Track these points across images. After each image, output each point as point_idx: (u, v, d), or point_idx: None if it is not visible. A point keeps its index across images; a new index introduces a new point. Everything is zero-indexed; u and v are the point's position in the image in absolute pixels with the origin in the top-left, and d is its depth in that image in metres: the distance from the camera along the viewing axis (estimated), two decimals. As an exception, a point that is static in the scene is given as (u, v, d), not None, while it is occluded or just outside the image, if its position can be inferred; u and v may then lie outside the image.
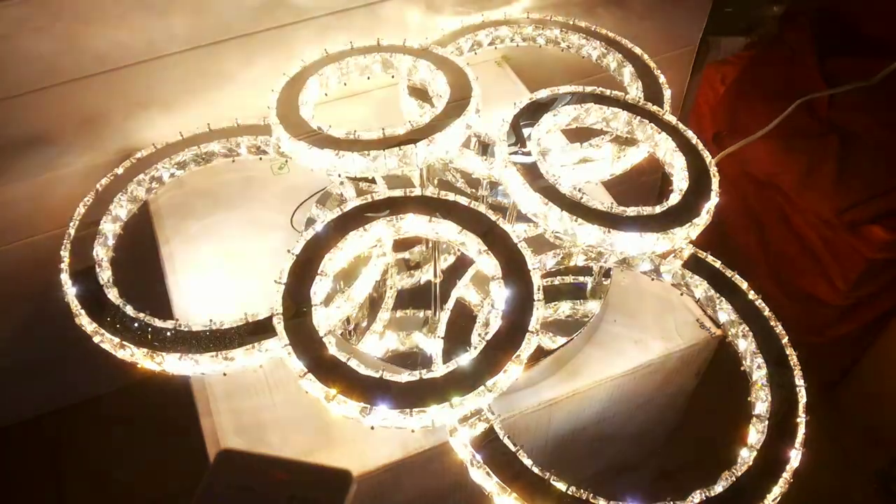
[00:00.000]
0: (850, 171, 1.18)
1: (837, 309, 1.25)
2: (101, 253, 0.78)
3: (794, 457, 0.64)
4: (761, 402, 0.69)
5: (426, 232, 0.74)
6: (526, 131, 0.79)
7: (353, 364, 0.63)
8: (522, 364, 0.63)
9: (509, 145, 0.77)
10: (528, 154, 0.76)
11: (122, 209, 0.84)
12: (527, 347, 0.63)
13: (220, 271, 0.90)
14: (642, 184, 1.55)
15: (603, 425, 0.88)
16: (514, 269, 0.69)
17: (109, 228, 0.81)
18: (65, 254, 0.77)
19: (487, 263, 0.70)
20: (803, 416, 0.67)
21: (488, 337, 0.64)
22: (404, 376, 0.62)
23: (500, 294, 0.67)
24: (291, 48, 1.02)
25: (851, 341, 1.31)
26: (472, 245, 0.72)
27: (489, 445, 0.64)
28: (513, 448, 0.63)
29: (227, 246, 0.93)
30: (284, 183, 1.01)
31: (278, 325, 0.65)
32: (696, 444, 1.18)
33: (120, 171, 0.86)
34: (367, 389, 0.61)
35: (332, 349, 0.64)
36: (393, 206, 0.74)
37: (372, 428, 0.62)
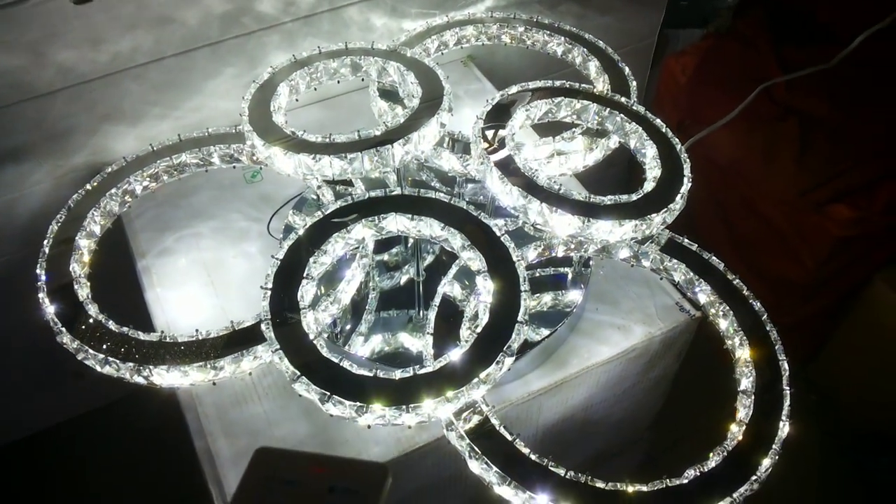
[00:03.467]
0: (811, 153, 1.21)
1: (805, 288, 1.28)
2: (78, 269, 0.77)
3: (782, 428, 0.66)
4: (746, 378, 0.71)
5: (409, 230, 0.75)
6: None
7: (346, 364, 0.63)
8: (514, 355, 0.63)
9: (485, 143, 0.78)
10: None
11: (95, 224, 0.82)
12: (517, 338, 0.64)
13: (198, 282, 0.89)
14: (610, 175, 1.58)
15: (591, 412, 0.90)
16: (499, 261, 0.70)
17: (84, 244, 0.80)
18: (41, 272, 0.76)
19: (472, 258, 0.71)
20: (787, 388, 0.69)
21: (478, 330, 0.65)
22: (398, 373, 0.63)
23: (487, 287, 0.68)
24: (259, 55, 1.02)
25: (819, 320, 1.35)
26: (455, 241, 0.73)
27: (485, 436, 0.64)
28: (509, 437, 0.64)
29: (204, 256, 0.92)
30: (258, 191, 1.00)
31: (267, 330, 0.65)
32: (678, 426, 1.20)
33: (91, 186, 0.84)
34: (361, 389, 0.61)
35: (324, 351, 0.64)
36: (374, 207, 0.74)
37: (369, 427, 0.62)
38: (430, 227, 0.74)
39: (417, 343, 0.84)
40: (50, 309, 0.73)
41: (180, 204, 0.98)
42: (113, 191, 0.85)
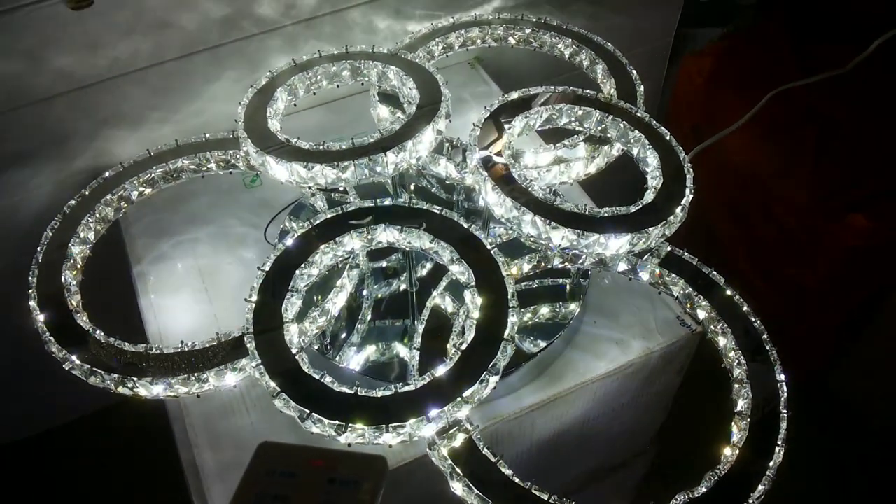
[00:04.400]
0: (829, 160, 1.17)
1: (821, 296, 1.24)
2: (70, 277, 0.77)
3: (777, 453, 0.64)
4: (742, 399, 0.69)
5: (398, 242, 0.73)
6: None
7: (328, 381, 0.62)
8: (499, 373, 0.62)
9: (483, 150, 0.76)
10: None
11: (90, 231, 0.82)
12: (502, 356, 0.62)
13: (192, 289, 0.89)
14: (619, 182, 1.55)
15: (587, 428, 0.88)
16: (487, 276, 0.68)
17: (78, 251, 0.80)
18: (33, 280, 0.76)
19: (460, 272, 0.69)
20: (785, 411, 0.67)
21: (463, 347, 0.63)
22: (380, 391, 0.61)
23: (474, 302, 0.66)
24: (260, 59, 1.01)
25: (835, 331, 1.31)
26: (444, 254, 0.71)
27: (468, 457, 0.63)
28: (493, 458, 0.62)
29: (199, 262, 0.91)
30: (257, 196, 0.99)
31: (249, 344, 0.64)
32: (682, 442, 1.17)
33: (87, 191, 0.84)
34: (342, 406, 0.60)
35: (305, 367, 0.63)
36: (364, 217, 0.73)
37: (349, 445, 0.61)
38: (419, 240, 0.72)
39: (406, 355, 0.83)
40: (40, 317, 0.73)
41: (178, 209, 0.97)
42: (108, 196, 0.85)
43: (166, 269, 0.90)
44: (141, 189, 0.87)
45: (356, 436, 0.60)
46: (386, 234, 0.73)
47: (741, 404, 0.68)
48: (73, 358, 0.69)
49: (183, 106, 1.01)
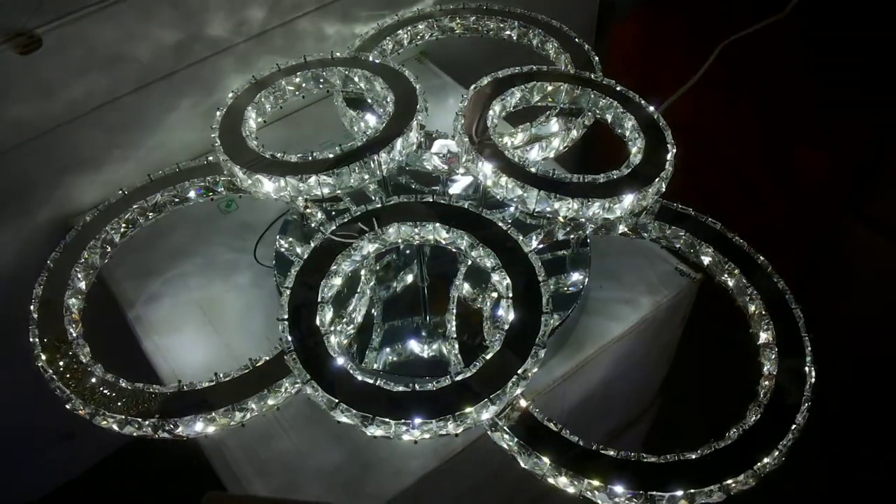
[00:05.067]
0: (773, 105, 1.24)
1: (780, 237, 1.31)
2: (73, 330, 0.73)
3: (809, 373, 0.68)
4: (764, 332, 0.72)
5: (413, 238, 0.73)
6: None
7: (382, 383, 0.61)
8: (545, 346, 0.63)
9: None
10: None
11: (80, 281, 0.79)
12: (546, 328, 0.64)
13: (195, 323, 0.86)
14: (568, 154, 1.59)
15: (608, 388, 0.90)
16: (511, 256, 0.69)
17: (74, 303, 0.76)
18: (35, 340, 0.72)
19: (483, 256, 0.70)
20: (806, 334, 0.71)
21: (505, 327, 0.64)
22: (434, 383, 0.62)
23: (504, 284, 0.67)
24: (214, 81, 0.99)
25: (794, 267, 1.38)
26: (462, 241, 0.72)
27: (532, 431, 0.64)
28: (555, 428, 0.64)
29: (194, 295, 0.89)
30: (236, 220, 0.97)
31: (294, 362, 0.63)
32: (685, 390, 1.22)
33: (68, 240, 0.80)
34: (401, 405, 0.60)
35: (356, 373, 0.62)
36: (373, 219, 0.73)
37: (415, 442, 0.61)
38: (434, 232, 0.73)
39: (427, 350, 0.83)
40: (54, 377, 0.69)
41: (157, 246, 0.94)
42: (91, 243, 0.81)
43: (162, 307, 0.87)
44: (123, 230, 0.84)
45: (421, 431, 0.60)
46: (399, 233, 0.73)
47: (764, 336, 0.72)
48: (103, 410, 0.66)
49: (142, 140, 0.98)
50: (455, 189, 0.94)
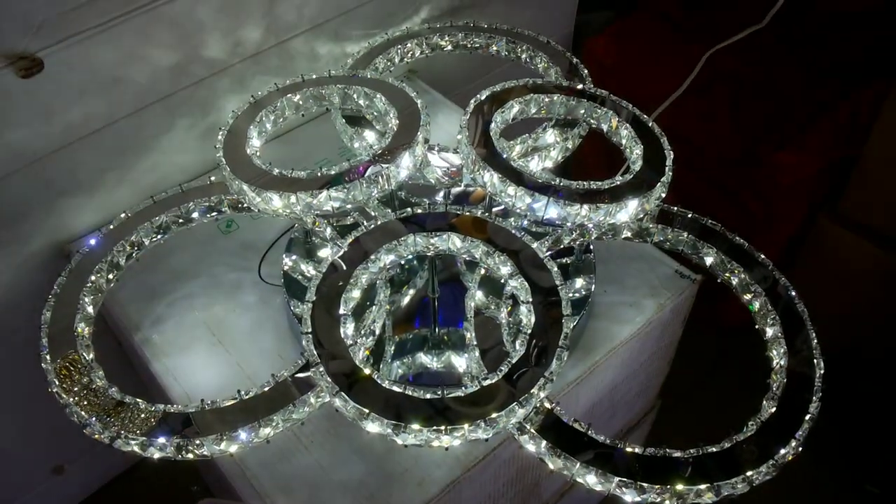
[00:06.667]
0: (745, 111, 1.28)
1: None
2: (86, 355, 0.72)
3: (818, 365, 0.70)
4: (770, 327, 0.75)
5: (428, 248, 0.74)
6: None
7: (411, 392, 0.62)
8: (569, 349, 0.64)
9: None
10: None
11: (88, 306, 0.78)
12: (568, 331, 0.65)
13: (204, 343, 0.85)
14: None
15: (615, 391, 0.92)
16: (527, 261, 0.71)
17: (84, 328, 0.75)
18: (48, 367, 0.70)
19: (498, 263, 0.71)
20: (811, 327, 0.73)
21: (528, 330, 0.66)
22: (462, 390, 0.62)
23: (524, 289, 0.69)
24: (210, 102, 0.99)
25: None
26: (476, 250, 0.73)
27: (559, 433, 0.65)
28: (582, 428, 0.65)
29: (203, 316, 0.88)
30: (237, 240, 0.97)
31: (321, 375, 0.63)
32: (681, 391, 1.24)
33: (73, 264, 0.79)
34: (432, 412, 0.61)
35: (385, 383, 0.62)
36: (388, 231, 0.73)
37: (447, 449, 0.62)
38: (449, 242, 0.74)
39: (436, 362, 0.84)
40: (71, 402, 0.68)
41: (159, 268, 0.93)
42: (98, 265, 0.80)
43: (169, 329, 0.86)
44: (129, 252, 0.83)
45: (455, 437, 0.60)
46: (414, 245, 0.74)
47: (771, 331, 0.74)
48: (125, 433, 0.65)
49: (137, 163, 0.97)
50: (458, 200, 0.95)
